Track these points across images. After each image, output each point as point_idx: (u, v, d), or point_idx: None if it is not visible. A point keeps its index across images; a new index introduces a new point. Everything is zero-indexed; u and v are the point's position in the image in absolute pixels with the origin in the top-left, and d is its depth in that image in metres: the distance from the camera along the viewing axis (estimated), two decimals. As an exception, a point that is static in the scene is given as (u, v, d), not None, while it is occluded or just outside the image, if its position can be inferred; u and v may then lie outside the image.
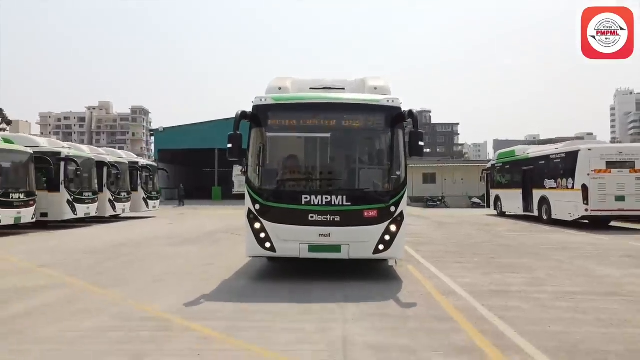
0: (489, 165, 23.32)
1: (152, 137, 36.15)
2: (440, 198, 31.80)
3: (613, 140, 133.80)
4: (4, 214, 12.69)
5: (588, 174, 14.22)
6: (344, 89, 7.94)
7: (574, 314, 4.81)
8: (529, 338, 4.00)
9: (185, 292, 5.85)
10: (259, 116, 6.86)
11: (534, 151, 18.81)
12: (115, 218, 19.00)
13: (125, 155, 21.18)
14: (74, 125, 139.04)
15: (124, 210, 19.07)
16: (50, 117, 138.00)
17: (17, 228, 13.65)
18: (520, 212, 18.75)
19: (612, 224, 15.56)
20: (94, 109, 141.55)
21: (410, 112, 6.66)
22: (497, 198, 21.45)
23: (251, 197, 6.75)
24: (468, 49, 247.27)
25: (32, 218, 13.93)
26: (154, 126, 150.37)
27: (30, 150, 14.26)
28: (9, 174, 13.16)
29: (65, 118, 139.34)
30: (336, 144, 7.31)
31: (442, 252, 9.56)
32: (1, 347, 3.91)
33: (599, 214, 14.26)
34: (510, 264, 7.98)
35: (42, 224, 14.80)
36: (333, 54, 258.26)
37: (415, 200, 32.95)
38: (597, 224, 15.18)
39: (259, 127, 6.91)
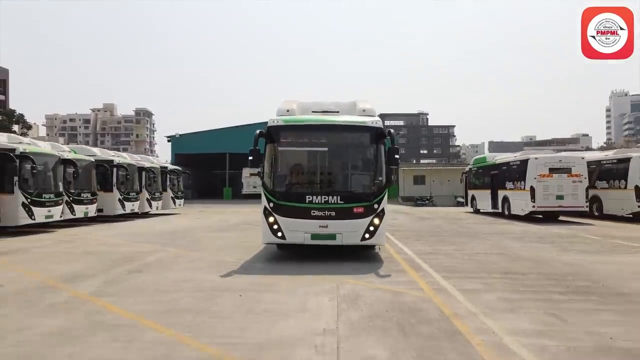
0: (467, 169, 27.02)
1: (169, 142, 39.82)
2: (428, 197, 35.48)
3: (608, 141, 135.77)
4: (78, 209, 16.38)
5: (535, 178, 17.85)
6: (338, 112, 9.53)
7: (465, 260, 8.54)
8: (431, 267, 7.73)
9: (240, 254, 9.45)
10: (272, 134, 8.47)
11: (500, 158, 22.48)
12: (146, 214, 22.54)
13: (155, 161, 24.88)
14: (79, 127, 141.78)
15: (157, 208, 22.72)
16: (56, 118, 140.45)
17: (78, 221, 17.23)
18: (490, 209, 22.33)
19: (561, 218, 19.23)
20: (98, 111, 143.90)
21: (389, 131, 8.42)
22: (473, 197, 25.09)
23: (266, 197, 8.31)
24: (465, 50, 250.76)
25: (95, 213, 17.62)
26: (157, 128, 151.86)
27: (92, 159, 17.97)
28: (80, 178, 16.79)
29: (71, 120, 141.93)
30: (332, 155, 8.97)
31: (410, 235, 13.21)
32: (162, 269, 7.60)
33: (543, 209, 17.94)
34: (453, 241, 11.66)
35: (92, 218, 18.18)
36: (330, 57, 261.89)
37: (406, 200, 36.63)
38: (548, 218, 18.82)
39: (272, 142, 8.50)
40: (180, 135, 39.66)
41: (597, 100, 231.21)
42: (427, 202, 34.74)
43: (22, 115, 58.07)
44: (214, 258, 8.98)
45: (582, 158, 18.46)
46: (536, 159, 18.21)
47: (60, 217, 14.99)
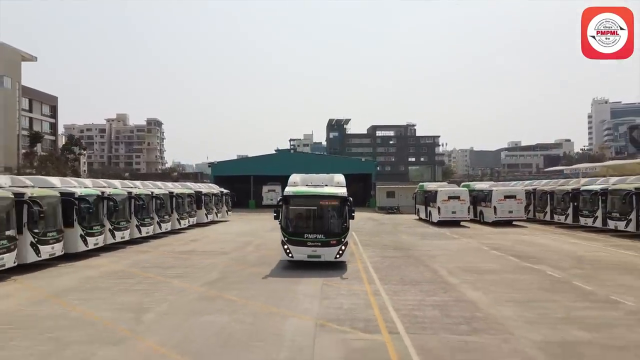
0: (415, 190, 41.20)
1: (210, 167, 54.75)
2: (396, 207, 49.51)
3: (590, 145, 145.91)
4: (191, 221, 30.39)
5: (441, 201, 32.02)
6: (323, 184, 15.47)
7: (375, 242, 22.67)
8: (362, 245, 21.77)
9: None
10: (286, 199, 14.62)
11: (430, 187, 36.53)
12: (209, 223, 36.25)
13: (216, 188, 38.91)
14: (95, 136, 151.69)
15: (219, 217, 36.78)
16: (73, 128, 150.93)
17: (189, 227, 31.06)
18: (425, 217, 36.48)
19: (462, 223, 33.23)
20: (112, 121, 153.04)
21: (349, 198, 14.43)
22: (418, 209, 39.23)
23: (282, 234, 14.33)
24: (455, 55, 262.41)
25: (194, 222, 31.63)
26: (167, 136, 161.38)
27: (193, 191, 31.98)
28: (188, 204, 30.67)
29: (88, 129, 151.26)
30: (319, 211, 14.81)
31: (365, 233, 27.17)
32: (272, 246, 21.64)
33: (445, 219, 31.98)
34: (381, 236, 25.57)
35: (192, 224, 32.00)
36: (329, 68, 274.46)
37: (381, 209, 50.58)
38: (453, 224, 32.77)
39: (286, 204, 14.59)
40: (217, 162, 54.90)
41: (582, 106, 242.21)
42: (395, 210, 48.68)
43: (79, 139, 71.96)
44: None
45: (466, 190, 32.76)
46: (441, 190, 32.44)
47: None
